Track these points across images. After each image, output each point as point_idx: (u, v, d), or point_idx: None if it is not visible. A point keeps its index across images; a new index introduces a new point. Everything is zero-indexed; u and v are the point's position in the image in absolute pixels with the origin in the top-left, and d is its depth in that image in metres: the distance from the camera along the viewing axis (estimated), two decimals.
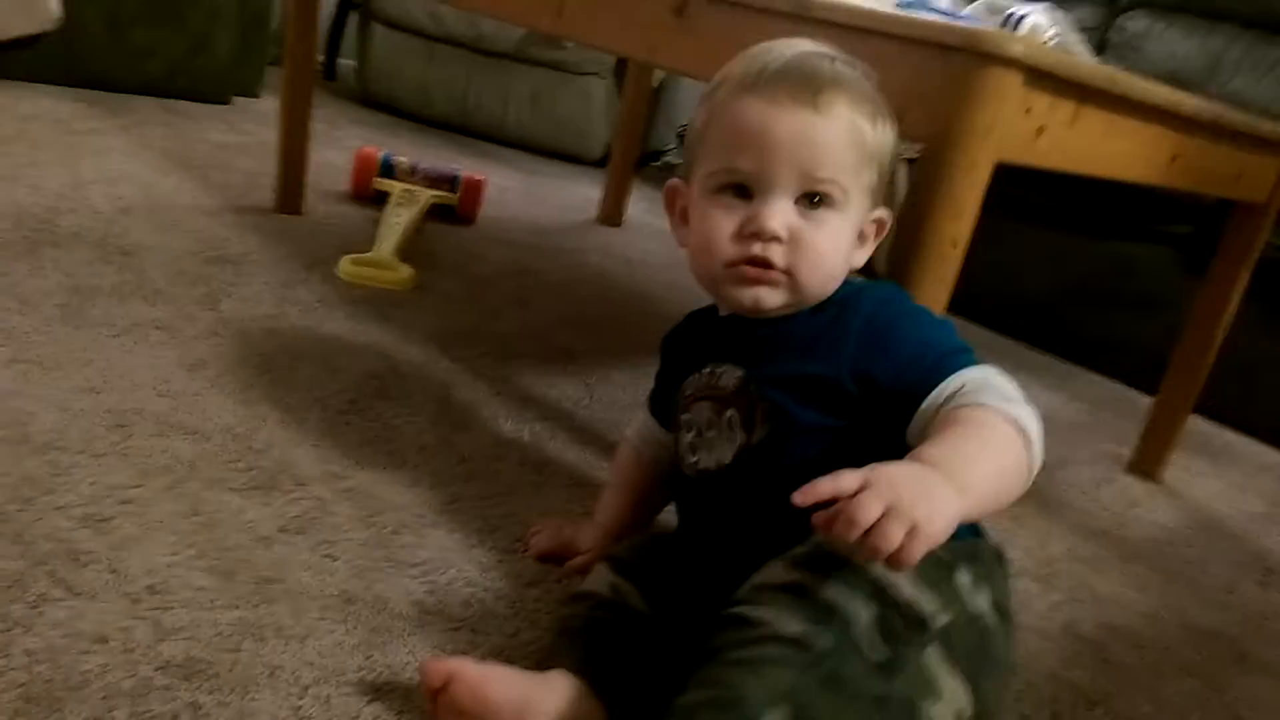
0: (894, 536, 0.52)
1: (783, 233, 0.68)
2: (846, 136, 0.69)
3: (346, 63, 3.19)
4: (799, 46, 0.73)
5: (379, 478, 0.92)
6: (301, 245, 1.53)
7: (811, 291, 0.71)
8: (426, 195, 1.79)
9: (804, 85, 0.68)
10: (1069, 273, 2.04)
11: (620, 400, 1.24)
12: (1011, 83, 0.78)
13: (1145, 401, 1.51)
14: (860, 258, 0.75)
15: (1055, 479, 1.33)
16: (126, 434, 0.89)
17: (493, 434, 1.06)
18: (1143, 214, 1.94)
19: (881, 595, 0.58)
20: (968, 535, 0.67)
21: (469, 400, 1.13)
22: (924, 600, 0.59)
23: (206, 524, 0.79)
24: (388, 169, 1.87)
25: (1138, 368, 1.87)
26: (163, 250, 1.37)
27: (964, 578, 0.63)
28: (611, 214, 2.23)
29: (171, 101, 2.35)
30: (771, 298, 0.70)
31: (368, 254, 1.48)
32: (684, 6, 0.98)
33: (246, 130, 2.25)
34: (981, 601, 0.63)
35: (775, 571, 0.60)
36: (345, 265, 1.43)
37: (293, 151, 1.65)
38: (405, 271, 1.46)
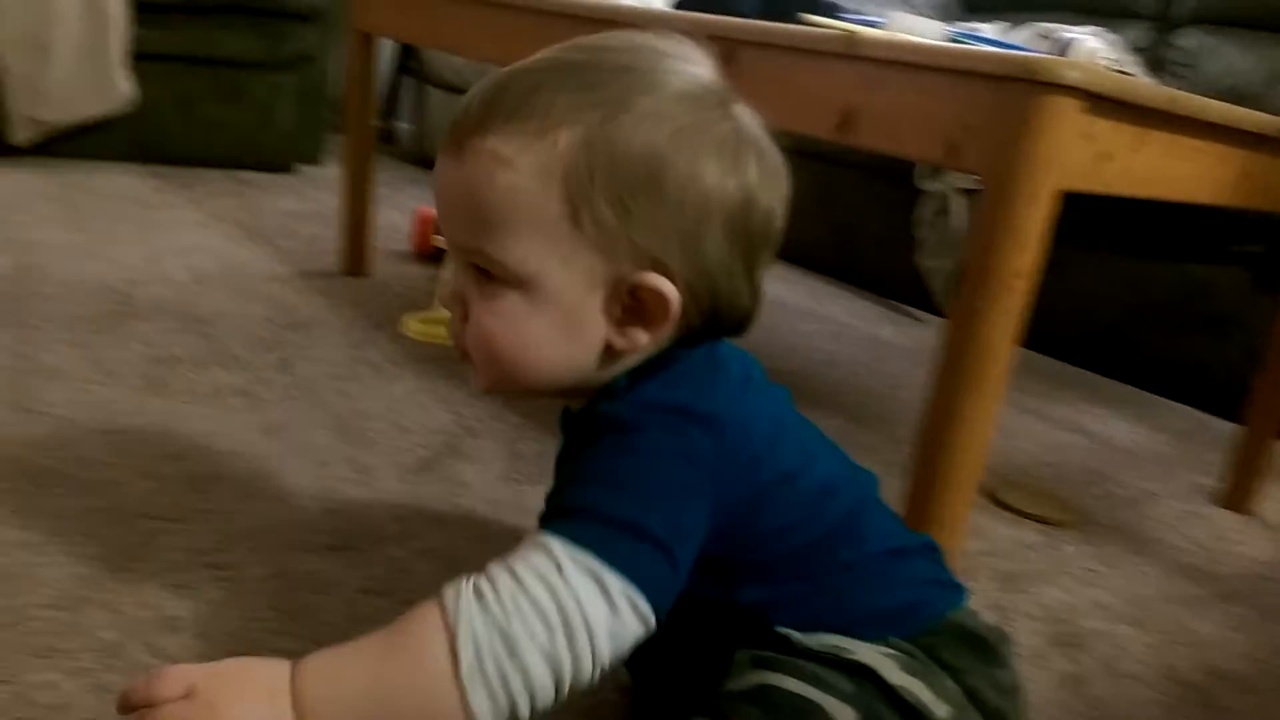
0: None
1: (451, 304, 0.57)
2: (488, 191, 0.52)
3: (403, 126, 3.28)
4: (542, 56, 0.55)
5: (454, 535, 0.93)
6: (368, 306, 1.57)
7: (511, 383, 0.56)
8: None
9: (458, 118, 0.54)
10: (1140, 298, 2.00)
11: None
12: (1070, 110, 0.77)
13: (1228, 429, 1.46)
14: (626, 341, 0.55)
15: (1143, 515, 1.29)
16: (210, 499, 0.91)
17: None
18: (1213, 234, 1.89)
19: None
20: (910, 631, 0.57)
21: (538, 452, 1.14)
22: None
23: (289, 586, 0.80)
24: None
25: (1218, 394, 1.81)
26: (237, 317, 1.42)
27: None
28: None
29: (239, 172, 2.44)
30: (474, 380, 0.58)
31: (432, 312, 1.51)
32: (732, 55, 0.99)
33: (310, 197, 2.32)
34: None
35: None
36: (411, 324, 1.46)
37: (356, 215, 1.70)
38: None
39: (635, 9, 1.14)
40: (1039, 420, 1.62)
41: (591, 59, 0.54)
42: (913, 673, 0.54)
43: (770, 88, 0.94)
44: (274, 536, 0.87)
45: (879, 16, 1.06)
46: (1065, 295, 1.99)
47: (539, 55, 0.56)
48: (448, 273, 0.56)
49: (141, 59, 2.21)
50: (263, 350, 1.31)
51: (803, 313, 2.08)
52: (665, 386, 0.54)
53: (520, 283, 0.52)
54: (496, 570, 0.47)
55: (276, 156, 2.51)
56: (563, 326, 0.54)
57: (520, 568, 0.47)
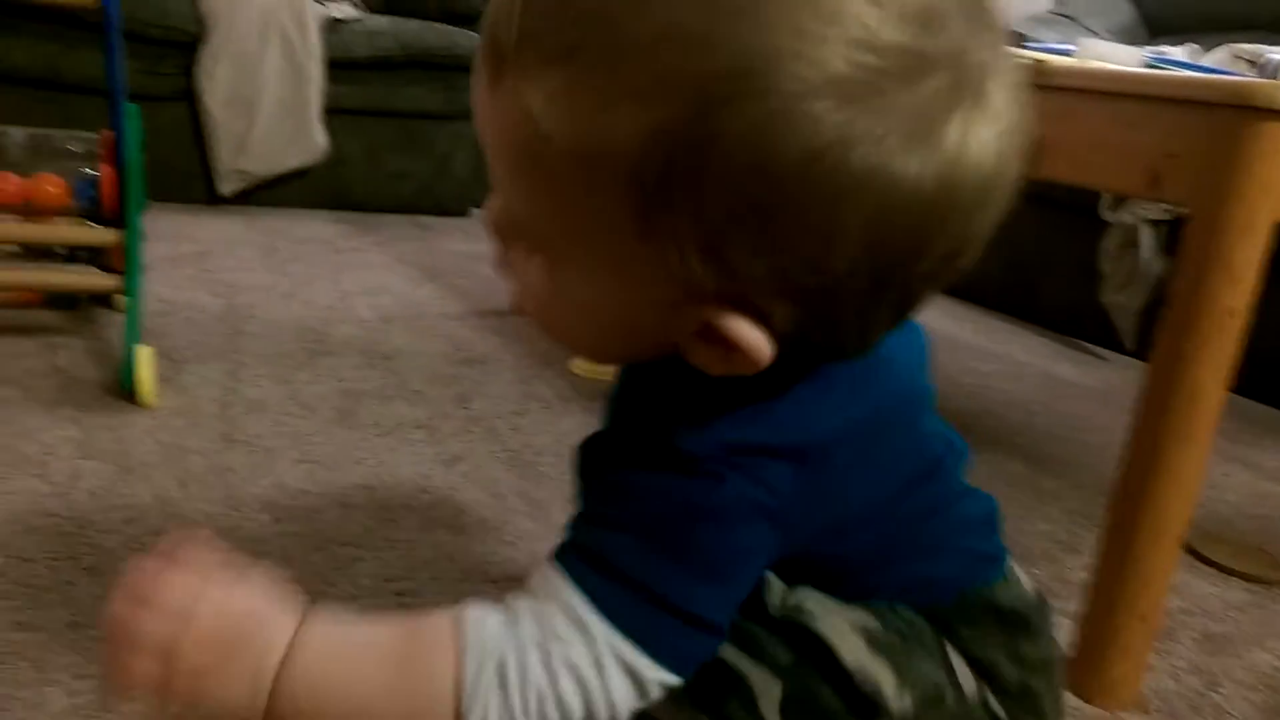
0: (127, 670, 0.40)
1: (490, 231, 0.46)
2: (518, 132, 0.38)
3: None
4: None
5: None
6: (537, 343, 1.61)
7: (563, 345, 0.48)
8: None
9: (489, 39, 0.39)
10: None
11: None
12: None
13: None
14: (697, 358, 0.42)
15: None
16: (396, 528, 0.96)
17: None
18: None
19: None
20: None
21: None
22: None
23: None
24: None
25: None
26: (419, 354, 1.49)
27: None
28: None
29: (418, 216, 2.58)
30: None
31: None
32: None
33: (483, 238, 2.42)
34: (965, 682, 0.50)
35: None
36: (578, 361, 1.50)
37: None
38: None
39: None
40: (1245, 469, 1.49)
41: None
42: (880, 651, 0.47)
43: None
44: (454, 566, 0.90)
45: (1067, 44, 1.02)
46: (1274, 333, 1.82)
47: None
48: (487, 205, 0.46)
49: (333, 113, 2.38)
50: (441, 385, 1.37)
51: (977, 351, 1.99)
52: (752, 416, 0.43)
53: (568, 262, 0.41)
54: (530, 657, 0.41)
55: (453, 201, 2.65)
56: (619, 320, 0.42)
57: (556, 657, 0.40)
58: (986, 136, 0.37)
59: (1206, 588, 1.07)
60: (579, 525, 0.44)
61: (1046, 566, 1.07)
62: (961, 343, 2.05)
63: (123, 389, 1.17)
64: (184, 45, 2.19)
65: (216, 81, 2.23)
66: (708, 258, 0.37)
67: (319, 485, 1.03)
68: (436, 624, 0.42)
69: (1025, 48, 1.01)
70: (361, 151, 2.48)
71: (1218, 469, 1.46)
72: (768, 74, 0.34)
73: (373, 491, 1.03)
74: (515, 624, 0.42)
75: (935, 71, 0.35)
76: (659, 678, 0.42)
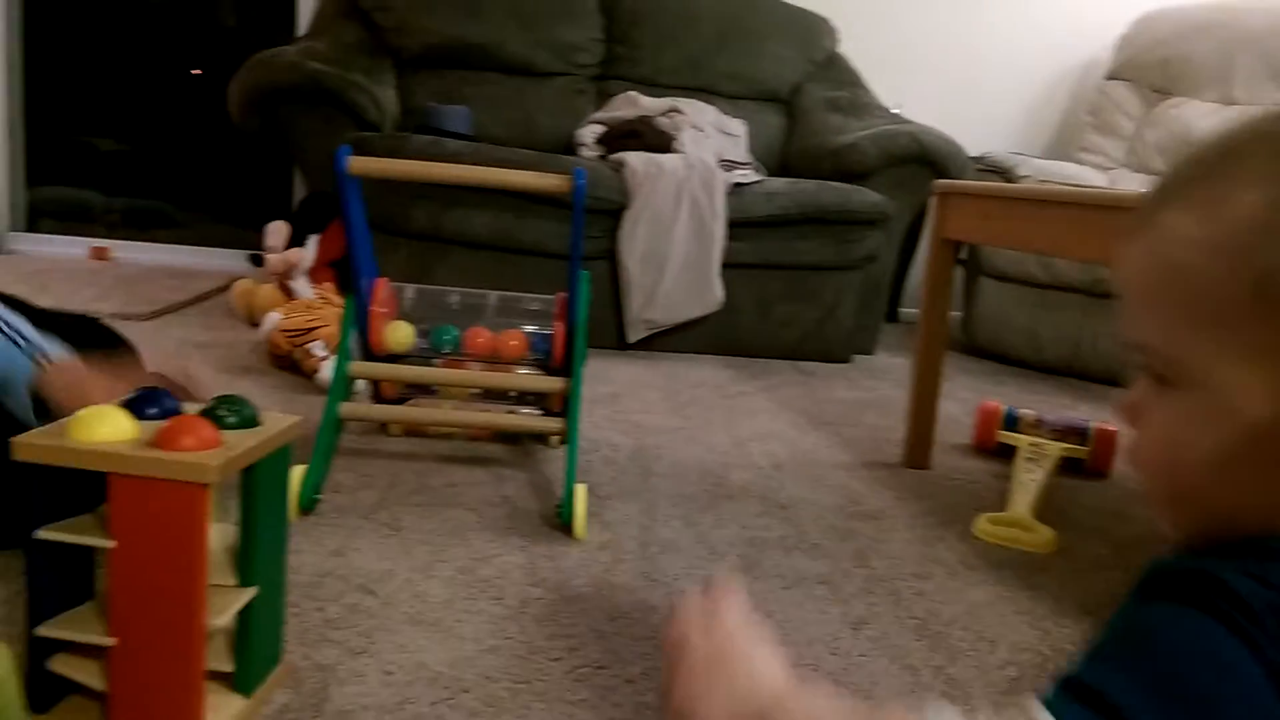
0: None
1: (1121, 413, 0.50)
2: (1156, 271, 0.46)
3: (954, 314, 3.32)
4: (1245, 119, 0.48)
5: None
6: (935, 501, 1.56)
7: (1179, 508, 0.48)
8: (1056, 449, 1.73)
9: (1147, 194, 0.49)
10: None
11: None
12: None
13: None
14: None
15: None
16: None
17: None
18: None
19: None
20: None
21: None
22: None
23: None
24: (1012, 421, 1.86)
25: None
26: (812, 504, 1.51)
27: None
28: None
29: (800, 363, 2.65)
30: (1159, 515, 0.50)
31: (1004, 513, 1.46)
32: None
33: (867, 386, 2.43)
34: None
35: None
36: (983, 524, 1.43)
37: (923, 409, 1.74)
38: (1046, 533, 1.40)
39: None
40: None
41: None
42: None
43: None
44: None
45: None
46: None
47: (1239, 120, 0.48)
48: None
49: (728, 267, 2.55)
50: (838, 539, 1.37)
51: None
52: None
53: (1191, 384, 0.44)
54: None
55: (836, 348, 2.69)
56: (1243, 443, 0.43)
57: None
58: None
59: None
60: (1080, 660, 0.43)
61: None
62: None
63: (560, 520, 1.30)
64: (611, 212, 2.49)
65: (635, 242, 2.50)
66: None
67: None
68: (900, 710, 0.45)
69: None
70: (753, 301, 2.62)
71: None
72: None
73: (783, 647, 1.04)
74: (972, 713, 0.42)
75: None
76: None
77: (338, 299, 2.14)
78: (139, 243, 3.60)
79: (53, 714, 0.79)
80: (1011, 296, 2.82)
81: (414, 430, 1.66)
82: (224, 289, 2.91)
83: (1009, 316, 2.84)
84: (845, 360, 2.71)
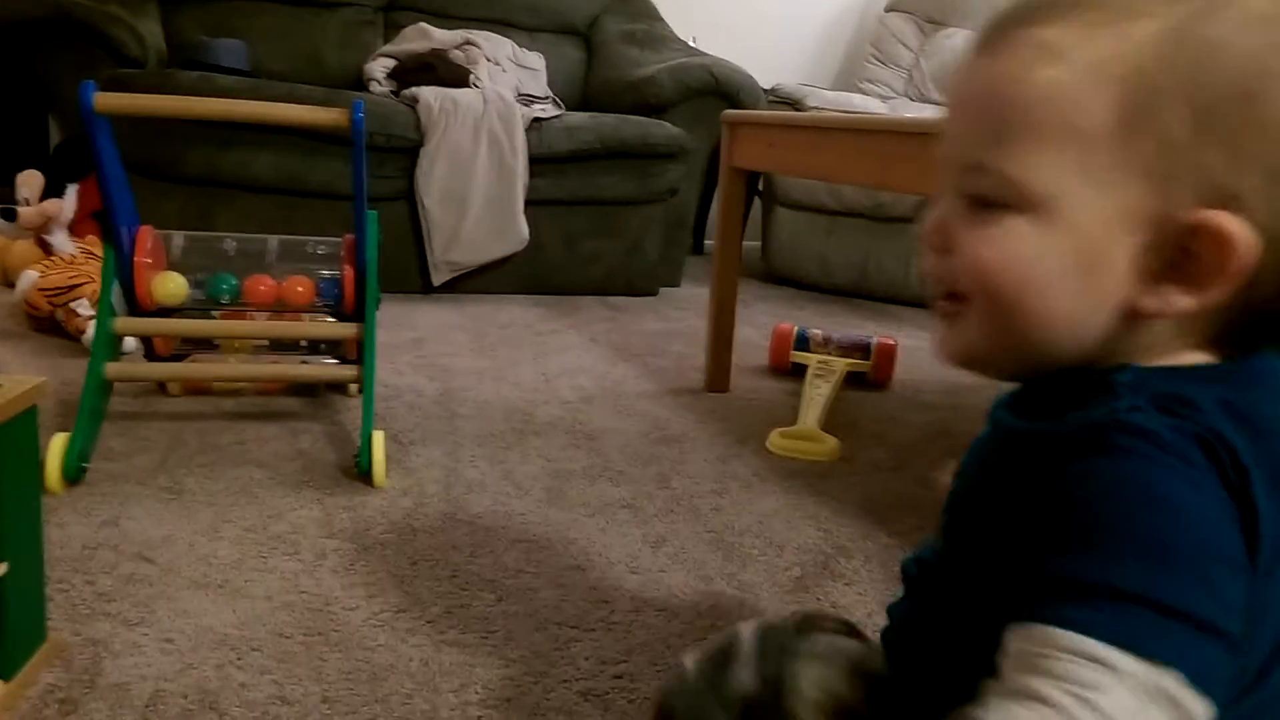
0: None
1: (930, 236, 0.48)
2: (1019, 88, 0.44)
3: (749, 244, 3.43)
4: None
5: None
6: (732, 422, 1.63)
7: (1001, 338, 0.46)
8: (842, 365, 1.83)
9: (1003, 11, 0.46)
10: None
11: None
12: None
13: None
14: (1157, 301, 0.43)
15: None
16: (609, 609, 0.98)
17: None
18: None
19: None
20: None
21: None
22: None
23: None
24: (803, 342, 1.95)
25: None
26: (618, 433, 1.54)
27: None
28: None
29: (610, 298, 2.68)
30: (944, 342, 0.48)
31: (793, 427, 1.54)
32: None
33: (674, 318, 2.48)
34: None
35: None
36: (774, 439, 1.50)
37: (721, 336, 1.79)
38: (831, 442, 1.49)
39: None
40: None
41: None
42: None
43: None
44: (668, 649, 0.91)
45: None
46: None
47: None
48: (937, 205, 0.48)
49: (531, 204, 2.53)
50: (642, 465, 1.40)
51: None
52: (1192, 415, 0.40)
53: (1030, 205, 0.43)
54: (1084, 714, 0.34)
55: (643, 282, 2.73)
56: (1076, 268, 0.43)
57: (1096, 708, 0.34)
58: None
59: None
60: (1026, 576, 0.39)
61: None
62: None
63: (359, 470, 1.27)
64: (406, 150, 2.40)
65: (433, 181, 2.42)
66: (1200, 139, 0.40)
67: (535, 565, 1.07)
68: None
69: None
70: (558, 238, 2.61)
71: None
72: None
73: (585, 573, 1.06)
74: (1037, 693, 0.36)
75: None
76: (1197, 708, 0.35)
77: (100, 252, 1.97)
78: None
79: None
80: (804, 224, 2.94)
81: (196, 388, 1.57)
82: None
83: (803, 244, 2.96)
84: (653, 294, 2.76)
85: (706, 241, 3.53)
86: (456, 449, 1.42)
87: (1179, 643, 0.36)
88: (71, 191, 2.26)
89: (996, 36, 0.45)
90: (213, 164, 2.30)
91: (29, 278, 1.91)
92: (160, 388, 1.56)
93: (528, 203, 2.51)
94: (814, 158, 1.52)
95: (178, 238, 1.43)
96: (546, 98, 2.77)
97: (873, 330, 2.20)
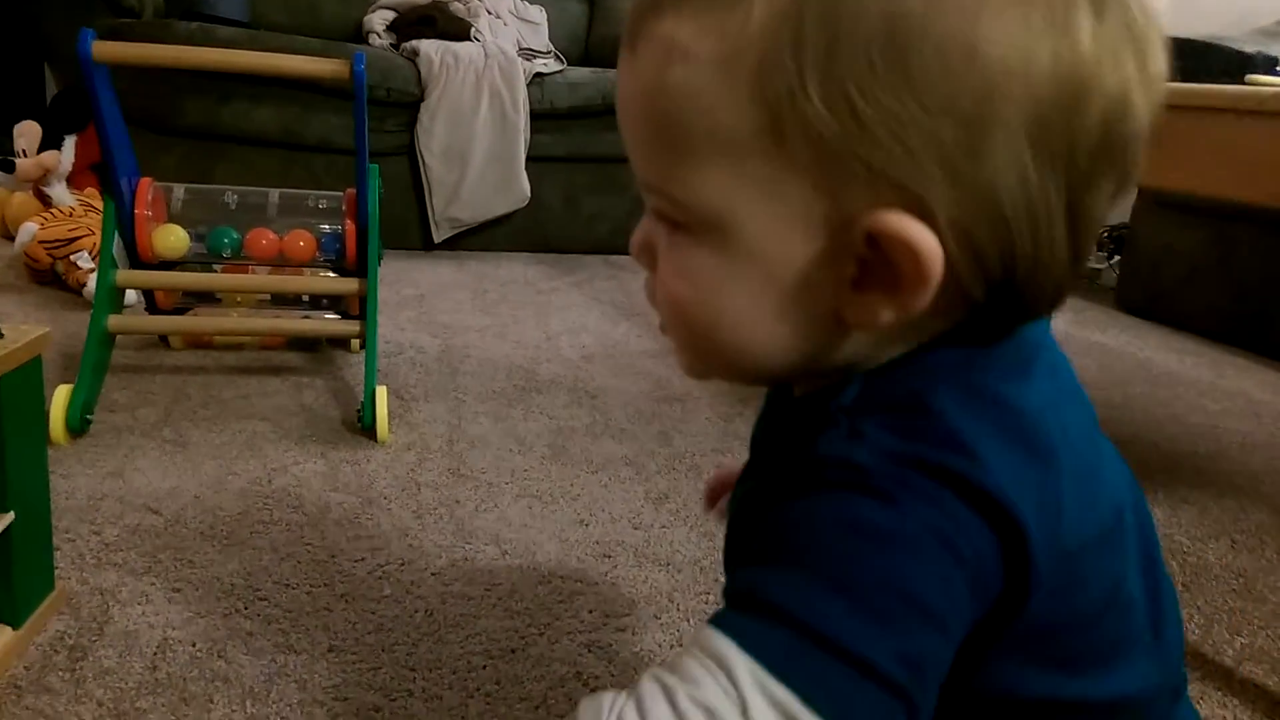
0: None
1: (639, 256, 0.43)
2: (658, 97, 0.37)
3: None
4: None
5: None
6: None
7: (711, 364, 0.42)
8: None
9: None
10: None
11: None
12: None
13: None
14: (862, 314, 0.37)
15: None
16: (612, 564, 0.99)
17: None
18: None
19: None
20: None
21: None
22: None
23: None
24: None
25: None
26: (620, 392, 1.54)
27: None
28: None
29: (612, 256, 2.66)
30: (678, 359, 0.44)
31: None
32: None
33: None
34: None
35: None
36: None
37: None
38: None
39: None
40: None
41: None
42: None
43: (1202, 154, 0.87)
44: (671, 605, 0.92)
45: None
46: None
47: None
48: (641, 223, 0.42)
49: (534, 160, 2.50)
50: (644, 422, 1.41)
51: (1205, 388, 1.84)
52: (923, 426, 0.36)
53: (705, 228, 0.37)
54: (654, 701, 0.33)
55: None
56: (766, 289, 0.37)
57: (687, 705, 0.32)
58: (1116, 35, 0.34)
59: None
60: (728, 581, 0.38)
61: None
62: (1183, 378, 1.90)
63: (362, 425, 1.27)
64: (407, 105, 2.38)
65: (434, 136, 2.40)
66: (853, 129, 0.33)
67: (538, 519, 1.07)
68: None
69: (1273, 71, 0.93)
70: (560, 195, 2.59)
71: None
72: None
73: (588, 528, 1.07)
74: (635, 685, 0.35)
75: None
76: None
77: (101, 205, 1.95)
78: None
79: None
80: None
81: (198, 342, 1.56)
82: None
83: None
84: None
85: None
86: (459, 405, 1.42)
87: (820, 671, 0.32)
88: (69, 143, 2.23)
89: (634, 30, 0.38)
90: (212, 116, 2.27)
91: (29, 230, 1.89)
92: (162, 341, 1.56)
93: (529, 159, 2.49)
94: None
95: (178, 190, 1.42)
96: (548, 52, 2.73)
97: None
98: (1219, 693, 0.86)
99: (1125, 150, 0.36)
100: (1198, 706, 0.83)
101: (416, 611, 0.88)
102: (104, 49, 1.17)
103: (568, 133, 2.54)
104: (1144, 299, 2.42)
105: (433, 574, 0.94)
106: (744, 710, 0.32)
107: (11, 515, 0.77)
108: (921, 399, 0.37)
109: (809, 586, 0.33)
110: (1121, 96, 0.34)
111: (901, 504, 0.34)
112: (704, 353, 0.41)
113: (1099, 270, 2.81)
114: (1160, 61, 0.36)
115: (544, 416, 1.40)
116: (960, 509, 0.34)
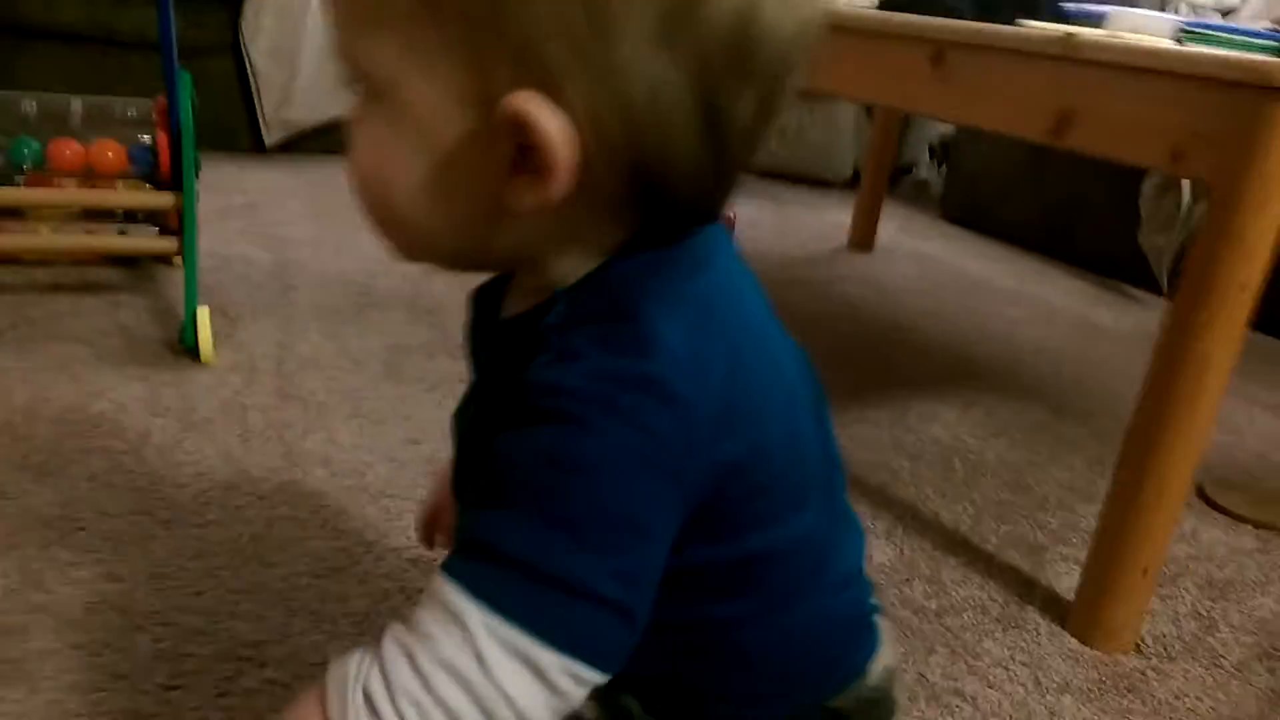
0: None
1: (346, 131, 0.42)
2: None
3: None
4: None
5: None
6: None
7: (389, 232, 0.42)
8: None
9: None
10: None
11: (877, 440, 1.26)
12: None
13: None
14: (514, 199, 0.38)
15: None
16: None
17: None
18: None
19: None
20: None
21: None
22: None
23: None
24: None
25: None
26: (460, 307, 1.54)
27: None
28: (863, 239, 2.23)
29: None
30: (382, 244, 0.43)
31: None
32: (941, 56, 0.99)
33: None
34: None
35: None
36: None
37: None
38: None
39: (849, 12, 1.15)
40: (1270, 413, 1.50)
41: None
42: None
43: (981, 90, 0.94)
44: None
45: (1102, 6, 1.02)
46: None
47: None
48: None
49: None
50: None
51: (1009, 295, 2.00)
52: (626, 332, 0.38)
53: (379, 95, 0.38)
54: (396, 664, 0.36)
55: None
56: (430, 159, 0.38)
57: (428, 665, 0.35)
58: None
59: (1217, 534, 1.11)
60: (459, 522, 0.40)
61: (1060, 514, 1.12)
62: (993, 286, 2.05)
63: (184, 347, 1.24)
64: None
65: (261, 33, 2.27)
66: (496, 7, 0.35)
67: (370, 440, 1.09)
68: (304, 698, 0.38)
69: (1064, 13, 1.00)
70: None
71: (1240, 413, 1.48)
72: None
73: (420, 446, 1.09)
74: (376, 645, 0.37)
75: None
76: (562, 665, 0.36)
77: None
78: None
79: None
80: None
81: (2, 257, 1.47)
82: None
83: None
84: None
85: None
86: (289, 323, 1.40)
87: (548, 607, 0.36)
88: None
89: None
90: (12, 6, 2.07)
91: None
92: None
93: None
94: None
95: None
96: None
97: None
98: (979, 576, 0.98)
99: (765, 60, 0.36)
100: (957, 590, 0.95)
101: (241, 535, 0.89)
102: None
103: None
104: (966, 210, 2.57)
105: (259, 498, 0.95)
106: (480, 660, 0.35)
107: None
108: (620, 305, 0.39)
109: (529, 525, 0.36)
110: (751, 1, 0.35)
111: (605, 430, 0.36)
112: (387, 230, 0.41)
113: (926, 181, 2.96)
114: None
115: (379, 334, 1.40)
116: (660, 414, 0.37)
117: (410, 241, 0.42)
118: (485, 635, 0.35)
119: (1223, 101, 0.75)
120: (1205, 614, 0.95)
